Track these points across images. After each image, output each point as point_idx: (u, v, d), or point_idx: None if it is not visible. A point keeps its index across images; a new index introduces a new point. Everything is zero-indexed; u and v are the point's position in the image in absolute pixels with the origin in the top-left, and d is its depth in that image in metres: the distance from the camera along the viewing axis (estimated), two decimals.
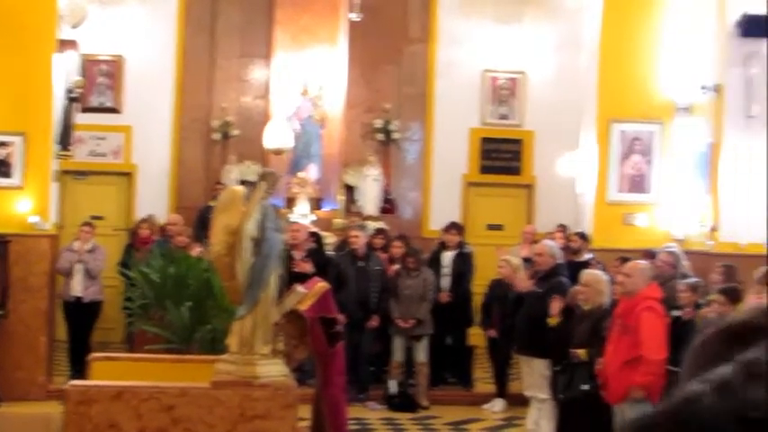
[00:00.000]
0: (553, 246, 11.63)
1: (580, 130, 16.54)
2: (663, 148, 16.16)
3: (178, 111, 17.34)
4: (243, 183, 14.27)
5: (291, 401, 6.80)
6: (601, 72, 16.10)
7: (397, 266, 13.41)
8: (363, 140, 17.37)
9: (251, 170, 16.06)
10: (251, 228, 6.79)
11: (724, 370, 0.93)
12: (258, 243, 6.81)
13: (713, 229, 15.04)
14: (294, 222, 14.27)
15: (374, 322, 13.08)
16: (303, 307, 6.90)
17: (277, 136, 15.97)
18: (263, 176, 7.14)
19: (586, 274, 10.07)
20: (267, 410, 6.75)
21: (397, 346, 13.10)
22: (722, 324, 1.47)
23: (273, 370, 6.86)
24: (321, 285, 7.40)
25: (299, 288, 7.12)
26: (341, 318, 12.28)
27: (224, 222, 6.89)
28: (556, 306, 10.23)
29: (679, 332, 9.09)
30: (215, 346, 9.46)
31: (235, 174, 16.39)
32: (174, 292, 10.99)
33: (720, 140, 15.04)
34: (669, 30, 16.12)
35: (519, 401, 11.88)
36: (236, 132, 17.05)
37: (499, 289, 12.69)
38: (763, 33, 14.76)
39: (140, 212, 16.18)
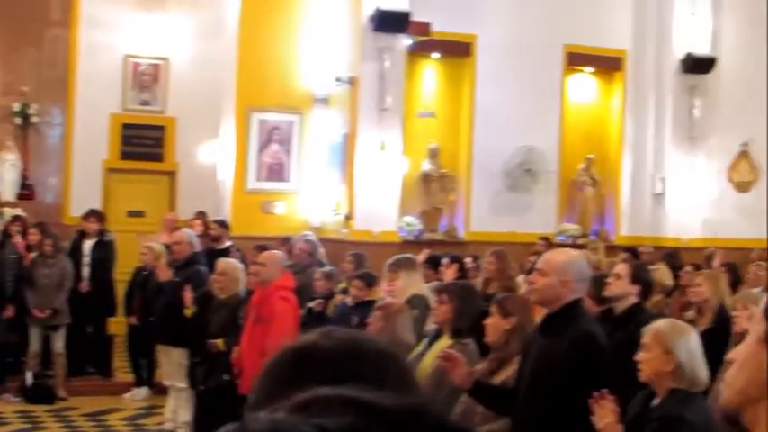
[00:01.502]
0: (191, 234, 11.68)
1: (221, 118, 16.72)
2: (301, 137, 16.62)
3: None
4: None
5: None
6: (240, 61, 16.35)
7: (33, 254, 13.08)
8: (1, 124, 16.76)
9: None
10: None
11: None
12: None
13: (348, 218, 15.62)
14: None
15: (9, 312, 12.71)
16: None
17: None
18: None
19: (222, 262, 10.22)
20: None
21: (34, 336, 12.80)
22: (292, 346, 1.63)
23: None
24: None
25: None
26: None
27: None
28: (188, 296, 10.29)
29: (313, 322, 9.40)
30: None
31: None
32: None
33: (355, 131, 15.63)
34: (308, 21, 16.59)
35: (164, 390, 11.88)
36: None
37: (141, 276, 12.65)
38: (396, 28, 15.45)
39: None
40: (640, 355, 4.90)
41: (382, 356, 1.57)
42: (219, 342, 9.44)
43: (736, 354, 1.96)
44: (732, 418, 1.91)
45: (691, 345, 4.88)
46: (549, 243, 15.11)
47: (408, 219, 16.63)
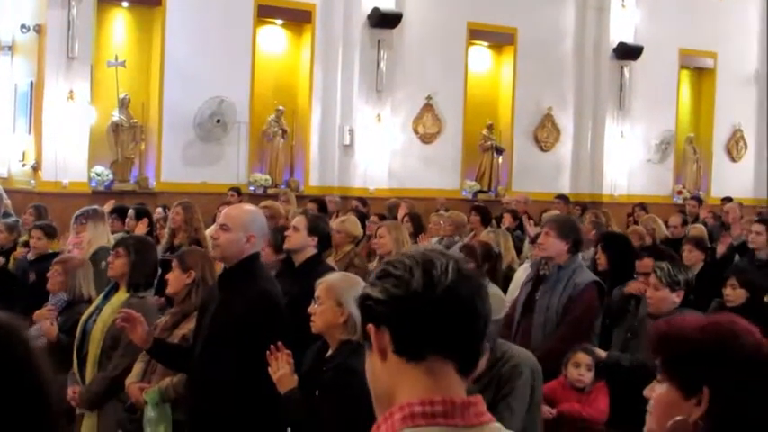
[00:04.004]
0: None
1: None
2: None
3: None
4: None
5: None
6: None
7: None
8: None
9: None
10: None
11: None
12: None
13: (36, 168, 15.28)
14: None
15: None
16: None
17: None
18: None
19: None
20: None
21: None
22: None
23: None
24: None
25: None
26: None
27: None
28: None
29: None
30: None
31: None
32: None
33: (42, 80, 15.27)
34: None
35: None
36: None
37: None
38: None
39: None
40: (313, 308, 5.00)
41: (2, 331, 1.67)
42: None
43: None
44: None
45: None
46: (239, 194, 15.32)
47: (98, 169, 16.39)
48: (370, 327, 2.11)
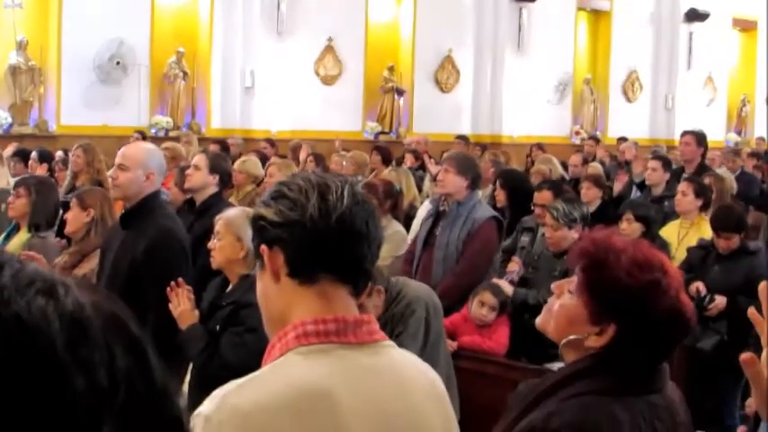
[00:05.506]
0: None
1: None
2: None
3: None
4: None
5: None
6: None
7: None
8: None
9: None
10: None
11: None
12: None
13: None
14: None
15: None
16: None
17: None
18: None
19: None
20: None
21: None
22: None
23: None
24: None
25: None
26: None
27: None
28: None
29: None
30: None
31: None
32: None
33: None
34: None
35: None
36: None
37: None
38: None
39: None
40: (212, 243, 5.06)
41: None
42: None
43: None
44: None
45: None
46: (144, 137, 15.20)
47: None
48: (264, 248, 2.13)
